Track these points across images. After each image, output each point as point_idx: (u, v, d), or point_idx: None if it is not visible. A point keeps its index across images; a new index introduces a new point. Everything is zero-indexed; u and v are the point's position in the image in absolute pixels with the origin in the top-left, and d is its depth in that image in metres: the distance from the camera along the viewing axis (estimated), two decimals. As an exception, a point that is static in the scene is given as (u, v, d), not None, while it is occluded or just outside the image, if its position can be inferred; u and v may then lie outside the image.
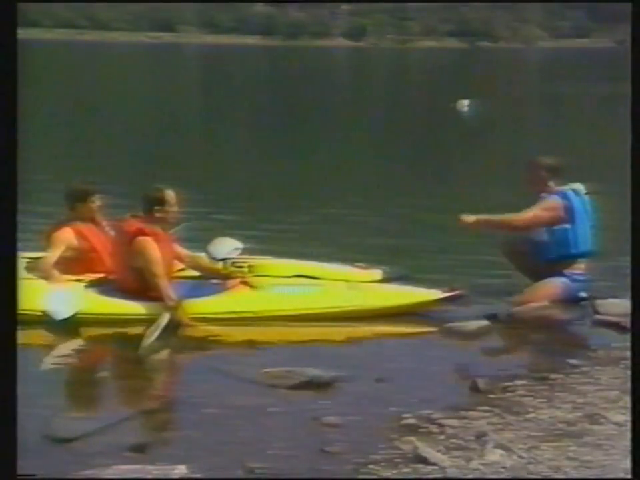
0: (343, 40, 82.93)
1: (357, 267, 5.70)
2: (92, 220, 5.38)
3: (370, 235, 7.40)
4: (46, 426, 3.60)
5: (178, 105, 22.64)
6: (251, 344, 4.82)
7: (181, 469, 3.19)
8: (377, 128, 18.35)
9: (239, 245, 5.39)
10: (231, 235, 5.72)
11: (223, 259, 5.33)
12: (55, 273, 5.14)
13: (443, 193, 9.60)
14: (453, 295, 5.22)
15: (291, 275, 5.31)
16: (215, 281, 5.24)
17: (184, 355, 4.76)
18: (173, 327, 4.79)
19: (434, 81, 35.14)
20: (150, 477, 3.14)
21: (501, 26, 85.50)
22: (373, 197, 9.64)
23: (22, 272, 5.00)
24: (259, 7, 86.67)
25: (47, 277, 5.11)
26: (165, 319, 4.75)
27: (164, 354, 4.65)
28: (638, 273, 2.66)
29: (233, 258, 5.38)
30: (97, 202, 5.38)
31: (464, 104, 19.90)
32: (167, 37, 78.50)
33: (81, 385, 4.45)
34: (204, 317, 4.91)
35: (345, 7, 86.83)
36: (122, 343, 4.76)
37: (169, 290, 4.90)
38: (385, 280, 5.61)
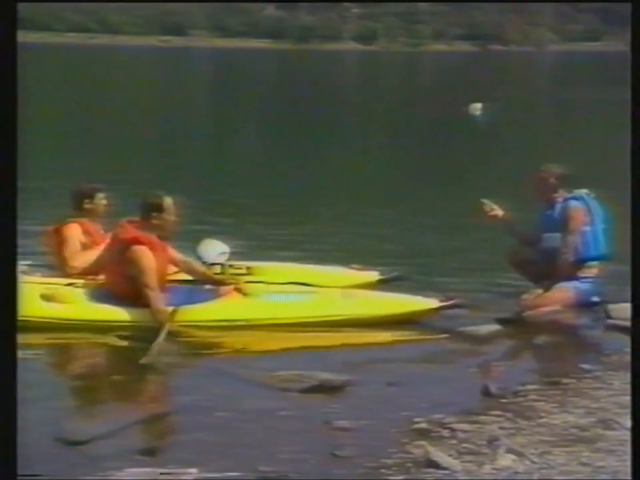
0: (354, 43, 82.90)
1: (353, 268, 5.67)
2: (97, 219, 5.43)
3: (379, 239, 7.39)
4: (58, 429, 3.60)
5: (188, 109, 22.70)
6: (246, 350, 4.78)
7: (192, 472, 3.19)
8: (388, 132, 18.34)
9: (226, 248, 5.31)
10: (238, 239, 5.70)
11: (213, 264, 5.27)
12: (77, 265, 5.18)
13: (454, 196, 9.58)
14: (449, 304, 5.12)
15: (287, 279, 5.27)
16: (208, 287, 5.18)
17: (195, 358, 4.74)
18: (166, 336, 4.70)
19: (445, 85, 35.10)
20: (161, 479, 3.14)
21: (511, 29, 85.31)
22: (385, 201, 9.63)
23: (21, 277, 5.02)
24: (269, 11, 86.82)
25: (72, 271, 5.16)
26: (165, 332, 4.70)
27: (175, 358, 4.63)
28: (638, 275, 2.69)
29: (223, 262, 5.32)
30: (102, 201, 5.43)
31: (477, 108, 19.86)
32: (177, 40, 78.71)
33: (91, 388, 4.46)
34: (196, 325, 4.87)
35: (355, 10, 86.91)
36: (129, 347, 4.74)
37: (159, 302, 4.86)
38: (382, 281, 5.58)
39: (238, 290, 5.09)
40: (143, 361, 4.40)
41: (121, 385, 4.35)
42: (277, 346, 4.85)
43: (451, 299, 5.16)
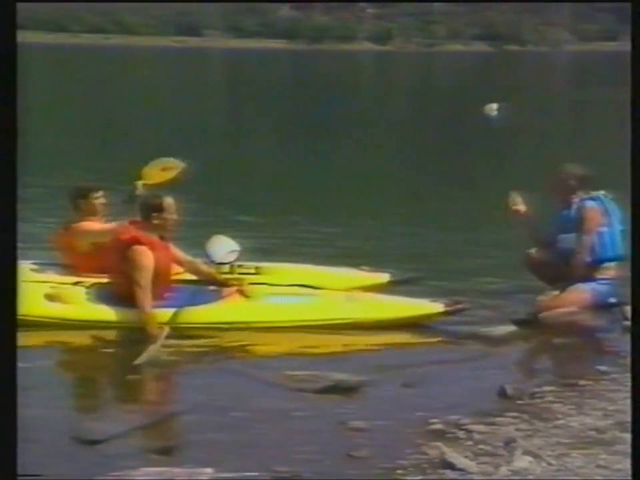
0: (369, 44, 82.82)
1: (363, 269, 5.64)
2: (96, 217, 5.39)
3: (393, 241, 7.36)
4: (75, 428, 3.62)
5: (203, 109, 22.75)
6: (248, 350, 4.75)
7: (208, 472, 3.20)
8: (403, 132, 18.30)
9: (236, 247, 5.25)
10: (251, 238, 5.67)
11: (221, 263, 5.22)
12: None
13: (469, 197, 9.55)
14: (455, 309, 5.05)
15: (296, 280, 5.23)
16: (212, 288, 5.14)
17: (211, 358, 4.74)
18: (145, 338, 4.69)
19: (461, 85, 35.00)
20: (177, 479, 3.14)
21: (528, 29, 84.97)
22: (399, 202, 9.61)
23: (30, 276, 5.04)
24: (284, 11, 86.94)
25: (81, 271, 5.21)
26: (164, 333, 4.68)
27: (190, 358, 4.63)
28: (638, 275, 2.70)
29: (232, 262, 5.27)
30: (98, 200, 5.40)
31: (493, 108, 19.77)
32: (192, 41, 78.98)
33: (107, 387, 4.48)
34: (196, 327, 4.85)
35: (370, 10, 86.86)
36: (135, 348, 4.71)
37: (146, 302, 4.83)
38: (393, 283, 5.54)
39: (240, 292, 5.06)
40: (136, 362, 4.38)
41: (135, 385, 4.36)
42: (280, 348, 4.80)
43: (458, 302, 5.09)
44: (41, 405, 3.76)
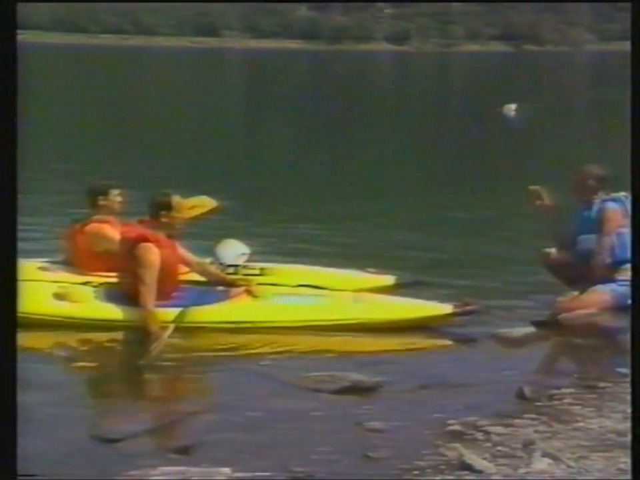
0: (387, 44, 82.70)
1: (368, 272, 5.61)
2: (113, 215, 5.41)
3: (409, 241, 7.34)
4: (93, 426, 3.64)
5: (221, 109, 22.82)
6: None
7: (225, 471, 3.20)
8: (421, 133, 18.26)
9: (246, 250, 5.26)
10: (268, 239, 5.66)
11: (230, 265, 5.21)
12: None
13: (488, 197, 9.51)
14: (464, 310, 5.00)
15: (301, 281, 5.21)
16: (220, 288, 5.14)
17: (229, 358, 4.74)
18: (146, 337, 4.69)
19: (479, 85, 34.87)
20: (194, 478, 3.15)
21: (547, 29, 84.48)
22: (416, 203, 9.59)
23: (37, 275, 5.08)
24: (302, 11, 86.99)
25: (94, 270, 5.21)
26: (169, 331, 4.68)
27: (208, 357, 4.64)
28: (638, 272, 2.68)
29: (241, 264, 5.27)
30: (116, 198, 5.41)
31: (511, 108, 19.67)
32: (210, 41, 79.27)
33: (125, 387, 4.50)
34: (203, 326, 4.85)
35: (388, 10, 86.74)
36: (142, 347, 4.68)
37: (149, 299, 4.82)
38: (398, 286, 5.51)
39: (248, 292, 5.06)
40: (141, 361, 4.37)
41: (151, 384, 4.37)
42: (287, 348, 4.76)
43: (467, 304, 5.04)
44: (56, 404, 3.78)
